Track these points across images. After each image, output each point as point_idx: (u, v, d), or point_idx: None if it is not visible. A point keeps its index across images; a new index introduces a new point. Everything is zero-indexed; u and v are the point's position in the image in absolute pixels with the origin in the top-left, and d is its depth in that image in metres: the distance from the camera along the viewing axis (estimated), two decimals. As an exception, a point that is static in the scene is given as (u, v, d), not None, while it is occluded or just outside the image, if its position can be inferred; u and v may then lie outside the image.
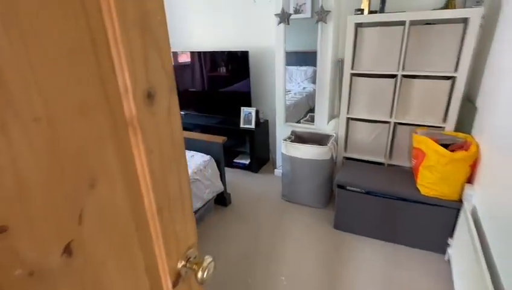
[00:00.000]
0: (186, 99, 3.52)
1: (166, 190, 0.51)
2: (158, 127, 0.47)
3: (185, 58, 3.36)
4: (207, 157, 2.32)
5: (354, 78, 2.30)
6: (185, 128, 3.44)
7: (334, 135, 2.52)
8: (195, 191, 2.09)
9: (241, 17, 2.98)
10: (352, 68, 2.26)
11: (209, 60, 3.16)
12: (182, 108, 3.54)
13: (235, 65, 3.06)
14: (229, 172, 3.15)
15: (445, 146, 1.83)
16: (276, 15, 2.46)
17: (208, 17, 3.18)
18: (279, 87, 2.76)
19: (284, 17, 2.45)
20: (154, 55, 0.44)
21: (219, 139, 2.34)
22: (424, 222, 1.93)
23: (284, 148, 2.46)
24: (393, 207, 1.99)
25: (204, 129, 3.28)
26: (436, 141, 1.85)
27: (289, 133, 2.69)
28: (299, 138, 2.68)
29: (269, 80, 3.05)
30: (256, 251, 2.06)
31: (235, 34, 3.08)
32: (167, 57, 0.47)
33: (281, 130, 2.87)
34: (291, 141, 2.51)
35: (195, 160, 2.26)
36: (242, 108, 3.02)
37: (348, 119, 2.43)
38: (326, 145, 2.38)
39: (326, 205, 2.50)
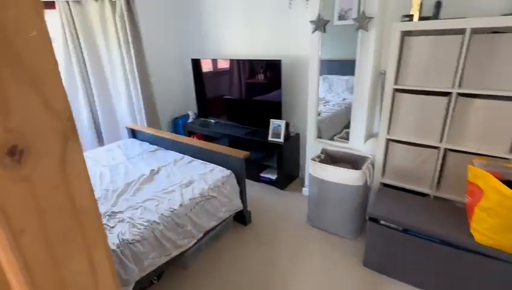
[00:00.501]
0: (217, 107, 3.44)
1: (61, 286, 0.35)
2: (36, 195, 0.32)
3: (216, 65, 3.29)
4: (227, 172, 2.18)
5: (397, 94, 1.99)
6: (212, 138, 3.38)
7: (371, 156, 2.22)
8: (210, 209, 1.96)
9: (276, 24, 2.82)
10: (395, 83, 1.96)
11: (241, 68, 3.05)
12: (212, 115, 3.51)
13: (266, 74, 2.90)
14: (253, 186, 2.99)
15: (511, 184, 1.46)
16: (311, 22, 2.25)
17: (242, 23, 3.07)
18: (312, 98, 2.54)
19: (319, 24, 2.23)
20: (23, 92, 0.29)
21: (241, 154, 2.18)
22: (477, 277, 1.56)
23: (311, 168, 2.22)
24: (438, 252, 1.64)
25: (231, 140, 3.16)
26: (499, 177, 1.48)
27: (319, 150, 2.45)
28: (330, 158, 2.42)
29: (303, 91, 2.84)
30: (271, 279, 1.86)
31: (269, 42, 2.93)
32: (56, 91, 0.32)
33: (311, 146, 2.63)
34: (320, 161, 2.27)
35: (214, 175, 2.13)
36: (271, 120, 2.84)
37: (388, 140, 2.11)
38: (360, 168, 2.09)
39: (356, 236, 2.20)
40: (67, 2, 3.06)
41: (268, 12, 2.83)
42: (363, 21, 2.03)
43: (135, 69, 3.20)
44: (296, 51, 2.76)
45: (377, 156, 2.17)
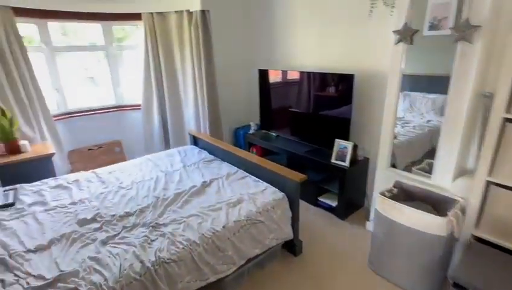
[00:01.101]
0: (281, 119, 3.28)
1: None
2: None
3: (283, 77, 3.13)
4: (279, 195, 1.97)
5: (508, 125, 1.52)
6: (270, 152, 3.21)
7: (461, 200, 1.75)
8: (255, 235, 1.78)
9: (351, 35, 2.53)
10: (507, 111, 1.50)
11: (310, 80, 2.82)
12: (274, 128, 3.35)
13: (337, 89, 2.62)
14: (309, 210, 2.72)
15: None
16: (396, 32, 1.91)
17: (314, 34, 2.85)
18: (388, 118, 2.17)
19: (405, 34, 1.87)
20: None
21: (297, 177, 1.96)
22: None
23: (379, 204, 1.86)
24: None
25: (290, 157, 2.95)
26: None
27: (392, 183, 2.06)
28: (405, 194, 2.01)
29: (376, 109, 2.47)
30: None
31: (342, 54, 2.64)
32: None
33: (382, 176, 2.24)
34: (391, 197, 1.89)
35: (265, 196, 1.95)
36: (337, 140, 2.54)
37: (489, 182, 1.64)
38: (445, 213, 1.66)
39: (432, 296, 1.75)
40: (152, 14, 3.29)
41: (344, 22, 2.55)
42: (465, 31, 1.62)
43: (203, 77, 3.26)
44: (372, 64, 2.42)
45: (471, 200, 1.70)
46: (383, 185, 2.15)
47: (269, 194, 1.98)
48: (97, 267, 1.35)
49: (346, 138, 2.52)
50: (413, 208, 1.69)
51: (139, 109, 3.59)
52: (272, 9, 3.20)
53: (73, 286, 1.23)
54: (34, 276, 1.30)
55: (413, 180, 2.05)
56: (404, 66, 2.01)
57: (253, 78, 3.53)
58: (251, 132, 3.47)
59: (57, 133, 3.04)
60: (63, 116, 3.29)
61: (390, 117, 2.16)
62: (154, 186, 2.14)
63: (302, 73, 2.87)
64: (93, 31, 3.39)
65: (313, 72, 2.74)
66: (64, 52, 3.28)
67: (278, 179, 2.07)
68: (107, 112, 3.62)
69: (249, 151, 3.50)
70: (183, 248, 1.49)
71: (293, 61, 3.13)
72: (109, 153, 3.64)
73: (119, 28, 3.51)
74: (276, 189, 2.04)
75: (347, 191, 2.53)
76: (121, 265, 1.35)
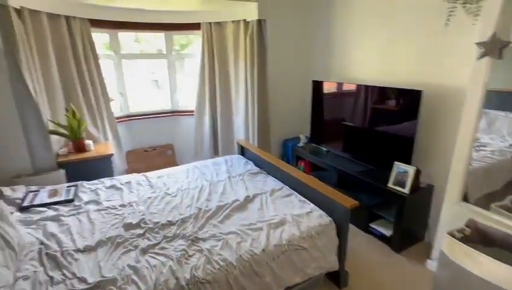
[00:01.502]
0: (333, 134, 3.09)
1: None
2: None
3: (339, 89, 2.94)
4: (326, 220, 1.81)
5: None
6: (319, 168, 3.03)
7: (561, 254, 1.40)
8: (296, 262, 1.64)
9: (421, 47, 2.25)
10: None
11: (369, 94, 2.60)
12: (325, 143, 3.16)
13: (400, 105, 2.36)
14: (358, 236, 2.48)
15: None
16: (480, 44, 1.62)
17: (377, 46, 2.62)
18: (464, 140, 1.86)
19: (493, 47, 1.58)
20: None
21: (348, 203, 1.77)
22: None
23: (447, 246, 1.58)
24: None
25: (341, 175, 2.74)
26: None
27: (462, 219, 1.74)
28: (480, 236, 1.68)
29: (447, 129, 2.15)
30: None
31: (408, 67, 2.37)
32: None
33: (451, 210, 1.93)
34: (463, 238, 1.59)
35: (310, 219, 1.80)
36: (396, 163, 2.27)
37: None
38: (536, 269, 1.33)
39: None
40: (210, 23, 3.37)
41: (414, 33, 2.29)
42: None
43: (255, 86, 3.22)
44: (445, 78, 2.12)
45: None
46: (450, 221, 1.84)
47: (315, 217, 1.82)
48: (134, 277, 1.35)
49: (407, 160, 2.24)
50: (492, 258, 1.39)
51: (193, 114, 3.70)
52: (330, 19, 3.04)
53: (110, 295, 1.24)
54: (78, 278, 1.35)
55: (492, 220, 1.71)
56: (487, 80, 1.70)
57: (306, 89, 3.39)
58: (300, 144, 3.32)
59: (118, 135, 3.27)
60: (124, 119, 3.54)
61: (467, 138, 1.84)
62: (198, 195, 2.14)
63: (360, 86, 2.65)
64: (159, 39, 3.61)
65: (374, 86, 2.51)
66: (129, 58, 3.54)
67: (326, 200, 1.90)
68: (163, 116, 3.81)
69: (297, 165, 3.36)
70: (219, 269, 1.42)
71: (351, 73, 2.92)
72: (162, 155, 3.81)
73: (183, 36, 3.68)
74: (323, 212, 1.87)
75: (405, 221, 2.24)
76: (156, 280, 1.33)
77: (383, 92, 2.47)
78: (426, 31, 2.19)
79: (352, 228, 2.54)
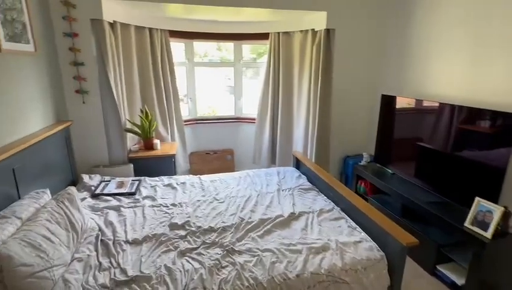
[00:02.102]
0: (402, 154, 2.76)
1: None
2: None
3: (415, 105, 2.60)
4: (377, 255, 1.59)
5: None
6: (381, 191, 2.72)
7: None
8: (334, 297, 1.47)
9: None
10: None
11: (454, 113, 2.23)
12: (392, 164, 2.83)
13: (493, 128, 1.96)
14: (421, 278, 2.13)
15: None
16: None
17: (463, 60, 2.23)
18: None
19: None
20: None
21: (405, 239, 1.52)
22: None
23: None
24: None
25: (407, 205, 2.41)
26: None
27: None
28: None
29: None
30: None
31: (504, 85, 1.95)
32: None
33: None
34: None
35: (358, 250, 1.60)
36: (477, 199, 1.88)
37: None
38: None
39: None
40: (279, 33, 3.38)
41: (508, 47, 1.88)
42: None
43: (318, 97, 3.09)
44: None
45: None
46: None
47: (363, 249, 1.62)
48: (167, 279, 1.39)
49: (494, 197, 1.84)
50: None
51: (254, 122, 3.75)
52: (408, 28, 2.73)
53: (141, 292, 1.31)
54: (121, 268, 1.45)
55: None
56: None
57: (374, 104, 3.11)
58: (362, 163, 3.05)
59: (184, 136, 3.52)
60: (191, 122, 3.79)
61: None
62: (243, 205, 2.13)
63: (443, 104, 2.30)
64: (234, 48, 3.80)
65: (460, 106, 2.14)
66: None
67: (380, 232, 1.68)
68: (227, 121, 3.96)
69: (356, 185, 3.09)
70: (247, 287, 1.36)
71: (429, 88, 2.56)
72: (222, 159, 3.96)
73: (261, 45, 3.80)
74: (375, 245, 1.65)
75: (483, 271, 1.83)
76: (186, 286, 1.35)
77: (472, 112, 2.09)
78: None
79: (414, 266, 2.23)
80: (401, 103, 2.73)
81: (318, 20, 2.99)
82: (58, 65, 2.41)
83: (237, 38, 3.62)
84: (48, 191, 1.81)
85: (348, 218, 1.95)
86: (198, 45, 3.77)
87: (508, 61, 1.93)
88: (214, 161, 3.92)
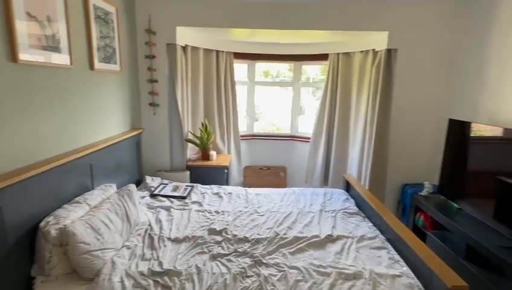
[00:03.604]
0: (475, 187, 2.41)
1: None
2: None
3: (493, 132, 2.29)
4: (417, 293, 1.42)
5: None
6: (442, 227, 2.41)
7: None
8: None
9: None
10: None
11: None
12: (460, 198, 2.49)
13: None
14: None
15: None
16: None
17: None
18: None
19: None
20: None
21: (450, 281, 1.33)
22: None
23: None
24: None
25: (472, 246, 2.08)
26: None
27: None
28: None
29: None
30: None
31: None
32: None
33: None
34: None
35: (394, 285, 1.46)
36: (561, 249, 1.53)
37: None
38: None
39: None
40: (338, 54, 3.38)
41: None
42: None
43: (375, 120, 2.95)
44: None
45: None
46: None
47: (401, 285, 1.47)
48: (195, 277, 1.49)
49: None
50: None
51: (308, 141, 3.74)
52: (484, 49, 2.44)
53: (170, 284, 1.43)
54: (159, 261, 1.62)
55: None
56: None
57: (440, 129, 2.81)
58: (423, 193, 2.75)
59: (239, 150, 3.71)
60: (248, 137, 3.98)
61: None
62: (282, 221, 2.14)
63: (509, 130, 1.99)
64: (314, 69, 3.98)
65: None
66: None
67: (426, 270, 1.50)
68: (282, 139, 4.04)
69: (414, 217, 2.79)
70: (266, 301, 1.37)
71: (504, 115, 2.22)
72: (274, 175, 4.02)
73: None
74: (417, 283, 1.48)
75: None
76: (210, 286, 1.43)
77: None
78: None
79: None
80: (475, 128, 2.41)
81: (379, 40, 2.90)
82: (137, 82, 2.86)
83: (297, 59, 3.73)
84: (114, 186, 2.14)
85: (391, 249, 1.79)
86: (271, 65, 3.99)
87: None
88: (267, 176, 4.00)
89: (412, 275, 1.55)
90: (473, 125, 2.41)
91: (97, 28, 2.11)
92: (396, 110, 2.91)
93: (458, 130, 2.53)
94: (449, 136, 2.60)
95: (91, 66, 2.06)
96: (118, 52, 2.42)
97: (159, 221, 2.07)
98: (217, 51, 3.39)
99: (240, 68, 3.85)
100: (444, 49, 2.81)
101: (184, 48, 3.05)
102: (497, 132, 2.23)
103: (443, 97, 2.88)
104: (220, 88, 3.46)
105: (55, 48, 1.69)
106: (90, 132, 2.08)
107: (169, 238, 1.86)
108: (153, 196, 2.50)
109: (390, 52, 2.84)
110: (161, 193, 2.53)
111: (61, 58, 1.74)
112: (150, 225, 2.01)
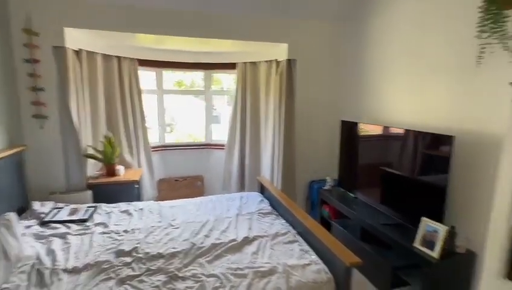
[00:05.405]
0: (364, 178, 2.81)
1: None
2: None
3: (369, 131, 2.71)
4: (324, 277, 1.57)
5: None
6: (343, 216, 2.73)
7: None
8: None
9: (454, 88, 1.98)
10: None
11: (405, 137, 2.33)
12: (355, 188, 2.87)
13: (430, 151, 2.06)
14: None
15: None
16: (517, 84, 1.35)
17: (408, 87, 2.39)
18: (501, 202, 1.49)
19: (533, 89, 1.29)
20: None
21: (347, 258, 1.52)
22: None
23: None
24: None
25: (364, 227, 2.42)
26: None
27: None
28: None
29: (486, 183, 1.77)
30: None
31: (442, 111, 2.09)
32: None
33: (493, 288, 1.51)
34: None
35: (305, 273, 1.58)
36: (423, 219, 1.93)
37: None
38: None
39: None
40: (245, 63, 3.53)
41: (442, 72, 2.05)
42: None
43: (282, 124, 3.18)
44: (480, 124, 1.80)
45: None
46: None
47: (311, 272, 1.60)
48: (98, 308, 1.31)
49: (438, 216, 1.88)
50: None
51: (223, 148, 3.78)
52: (361, 59, 2.92)
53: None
54: (51, 299, 1.37)
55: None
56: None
57: (335, 129, 3.22)
58: (326, 187, 3.09)
59: (151, 163, 3.48)
60: (160, 148, 3.78)
61: (505, 200, 1.48)
62: (198, 230, 2.08)
63: (386, 128, 2.43)
64: (229, 79, 3.93)
65: (408, 129, 2.24)
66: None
67: (330, 253, 1.66)
68: (197, 148, 3.97)
69: (321, 209, 3.10)
70: (184, 315, 1.31)
71: (383, 114, 2.69)
72: (191, 186, 3.91)
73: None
74: (324, 267, 1.64)
75: (435, 293, 1.82)
76: (116, 314, 1.28)
77: (408, 138, 2.20)
78: (455, 70, 1.94)
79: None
80: (360, 127, 2.82)
81: (281, 51, 3.16)
82: (15, 90, 2.41)
83: (207, 67, 3.75)
84: (-14, 217, 1.73)
85: (302, 241, 1.94)
86: (184, 75, 3.86)
87: (439, 87, 2.07)
88: (183, 187, 3.86)
89: (320, 261, 1.70)
90: (360, 124, 2.84)
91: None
92: (299, 115, 3.21)
93: (349, 130, 2.93)
94: (342, 135, 3.00)
95: None
96: (-17, 54, 2.00)
97: (51, 252, 1.76)
98: (119, 57, 3.13)
99: (149, 76, 3.64)
100: (335, 59, 3.25)
101: (78, 53, 2.71)
102: (378, 129, 2.67)
103: (336, 101, 3.31)
104: (124, 97, 3.20)
105: None
106: None
107: (65, 270, 1.60)
108: (43, 223, 2.12)
109: (290, 62, 3.12)
110: (54, 219, 2.17)
111: None
112: (38, 258, 1.68)
